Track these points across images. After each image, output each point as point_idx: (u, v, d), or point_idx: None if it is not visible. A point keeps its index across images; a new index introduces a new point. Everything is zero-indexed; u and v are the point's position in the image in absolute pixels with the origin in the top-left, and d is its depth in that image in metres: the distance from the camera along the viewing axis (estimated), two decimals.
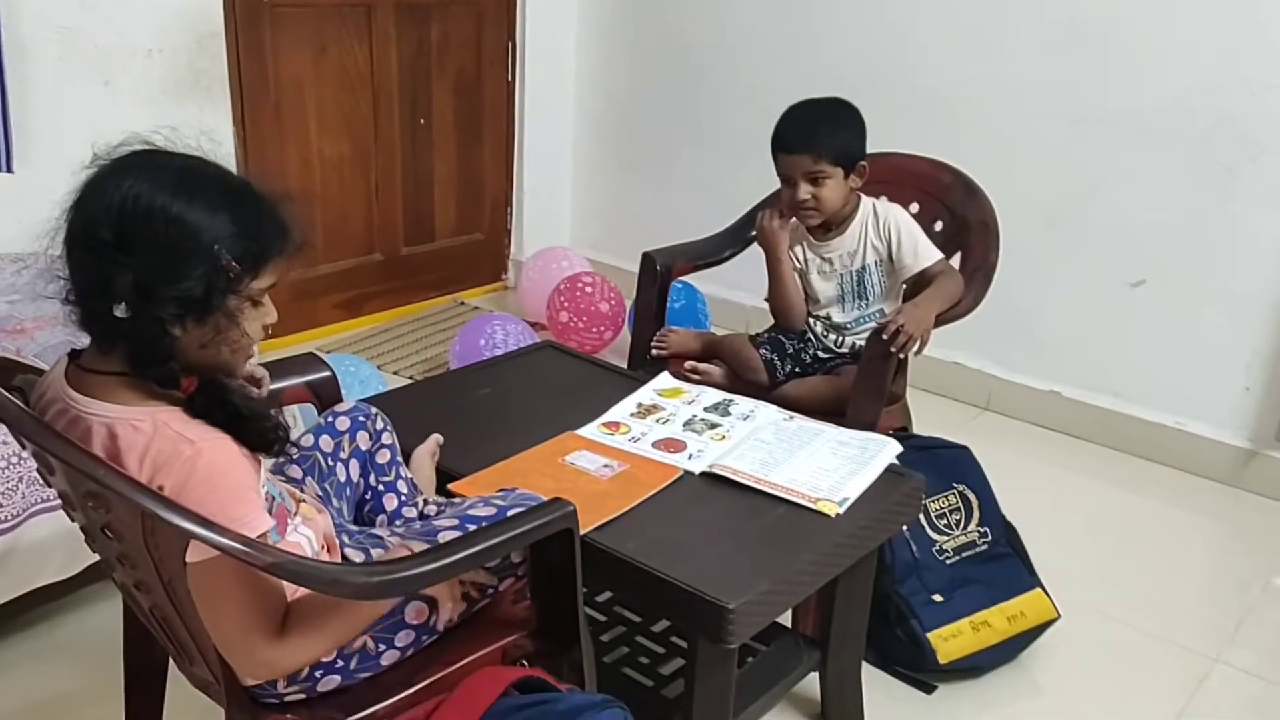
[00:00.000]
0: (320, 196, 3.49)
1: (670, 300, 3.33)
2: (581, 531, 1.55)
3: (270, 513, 1.23)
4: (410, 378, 3.27)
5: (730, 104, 3.61)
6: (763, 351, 2.24)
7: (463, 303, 3.97)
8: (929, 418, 3.00)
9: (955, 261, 2.29)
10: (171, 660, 1.37)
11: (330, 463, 1.54)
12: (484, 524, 1.35)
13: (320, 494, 1.50)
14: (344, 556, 1.36)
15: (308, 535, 1.31)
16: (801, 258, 2.29)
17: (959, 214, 2.32)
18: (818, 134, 2.13)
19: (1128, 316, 3.00)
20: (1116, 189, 2.95)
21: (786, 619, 2.01)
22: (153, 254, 1.12)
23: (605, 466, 1.78)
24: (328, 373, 1.66)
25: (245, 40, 3.15)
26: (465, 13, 3.70)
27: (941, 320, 2.13)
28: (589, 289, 3.43)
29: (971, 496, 2.20)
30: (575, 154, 4.13)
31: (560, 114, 4.05)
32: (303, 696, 1.30)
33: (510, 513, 1.37)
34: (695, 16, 3.67)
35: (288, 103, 3.31)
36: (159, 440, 1.12)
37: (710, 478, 1.77)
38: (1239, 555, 2.63)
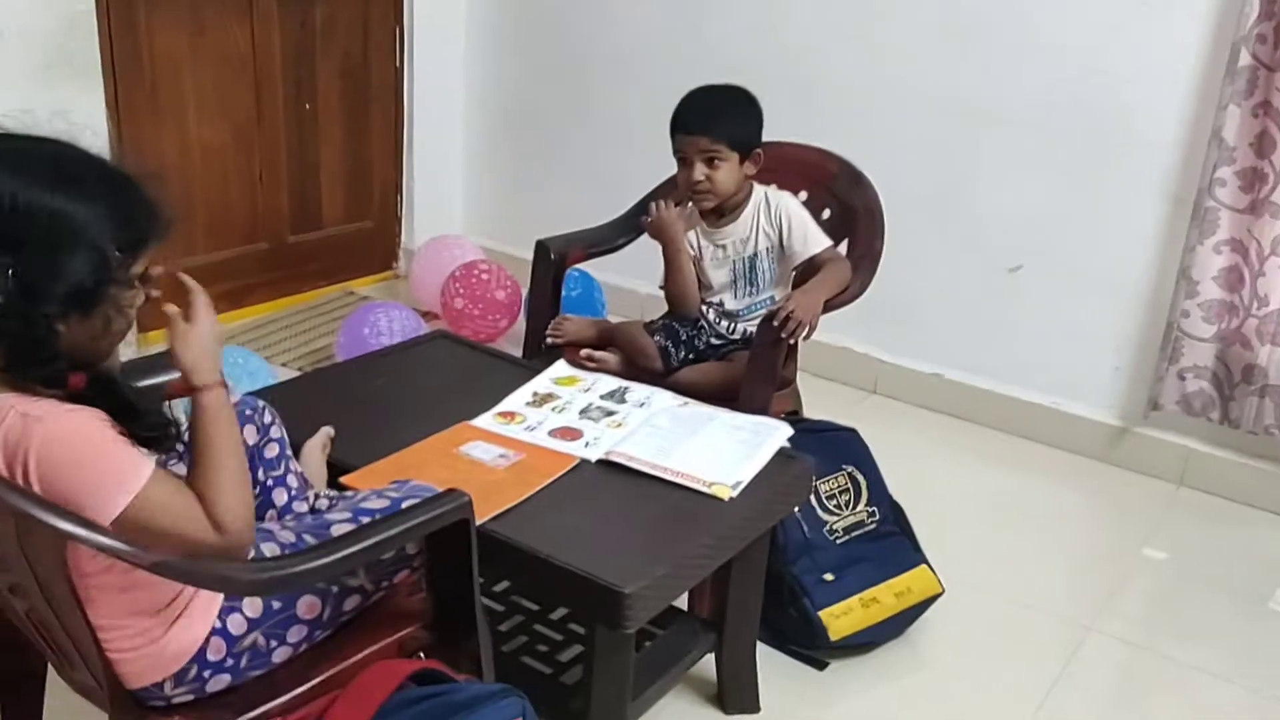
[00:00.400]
0: (201, 183, 3.38)
1: (567, 289, 3.33)
2: (478, 522, 1.55)
3: None
4: (299, 369, 3.20)
5: (624, 89, 3.61)
6: (657, 339, 2.26)
7: (353, 292, 3.89)
8: (820, 402, 3.06)
9: (842, 249, 2.34)
10: (51, 665, 1.32)
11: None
12: (377, 516, 1.34)
13: None
14: None
15: None
16: (695, 244, 2.31)
17: (846, 202, 2.37)
18: (717, 116, 2.16)
19: (1006, 301, 3.11)
20: (995, 178, 3.06)
21: (683, 602, 2.04)
22: (36, 251, 1.07)
23: (501, 456, 1.78)
24: None
25: (118, 20, 3.02)
26: None
27: (830, 306, 2.18)
28: (485, 276, 3.40)
29: (860, 477, 2.26)
30: (467, 140, 4.08)
31: (451, 99, 3.99)
32: (191, 698, 1.27)
33: (404, 504, 1.36)
34: (585, 2, 3.65)
35: (164, 86, 3.19)
36: (9, 421, 1.09)
37: (606, 465, 1.78)
38: (1111, 528, 2.76)
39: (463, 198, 4.14)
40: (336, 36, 3.62)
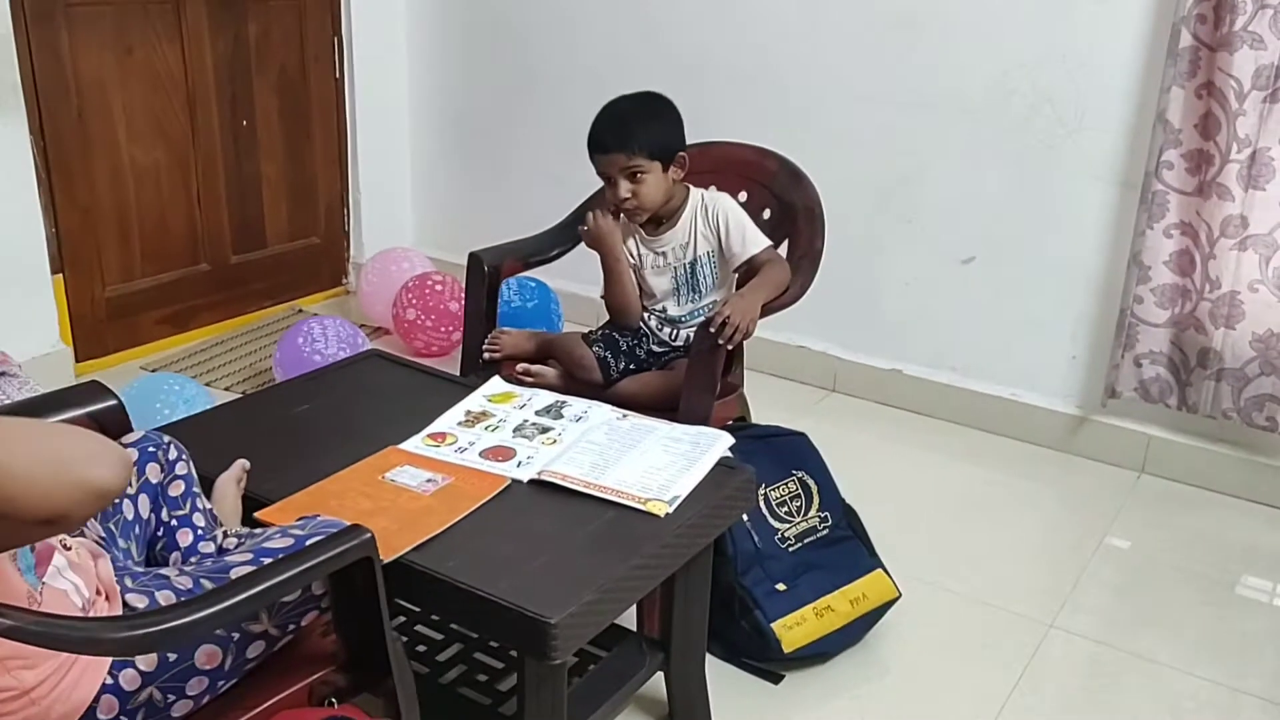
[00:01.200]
0: (135, 206, 3.29)
1: (523, 299, 3.29)
2: (399, 553, 1.49)
3: (29, 550, 1.13)
4: (243, 393, 3.12)
5: (569, 93, 3.55)
6: (596, 349, 2.20)
7: (301, 310, 3.81)
8: (777, 402, 3.03)
9: (785, 248, 2.29)
10: None
11: (115, 500, 1.42)
12: (280, 557, 1.27)
13: (103, 535, 1.39)
14: (125, 604, 1.25)
15: (74, 582, 1.20)
16: (635, 253, 2.25)
17: (785, 200, 2.32)
18: (629, 130, 2.11)
19: (961, 293, 3.07)
20: (945, 169, 3.01)
21: (631, 621, 1.98)
22: None
23: (428, 481, 1.71)
24: (113, 401, 1.54)
25: (39, 43, 2.94)
26: (284, 7, 3.54)
27: (770, 308, 2.12)
28: (439, 287, 3.34)
29: (811, 482, 2.20)
30: (413, 151, 4.01)
31: (394, 110, 3.92)
32: None
33: (309, 543, 1.29)
34: (529, 4, 3.59)
35: (91, 109, 3.11)
36: None
37: (539, 485, 1.72)
38: (1073, 519, 2.72)
39: (411, 209, 4.08)
40: (272, 50, 3.55)
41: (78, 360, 3.19)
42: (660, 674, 1.89)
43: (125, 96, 3.19)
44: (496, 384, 2.06)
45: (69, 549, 1.25)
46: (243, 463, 1.65)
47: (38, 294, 3.02)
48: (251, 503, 1.63)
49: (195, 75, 3.34)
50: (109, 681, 1.19)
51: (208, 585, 1.26)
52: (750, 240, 2.17)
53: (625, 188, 2.12)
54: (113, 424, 1.54)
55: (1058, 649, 2.21)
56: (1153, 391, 2.77)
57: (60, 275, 3.12)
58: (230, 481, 1.62)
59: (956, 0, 2.88)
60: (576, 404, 1.97)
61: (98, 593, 1.23)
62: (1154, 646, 2.22)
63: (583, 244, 2.29)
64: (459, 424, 1.91)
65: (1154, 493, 2.80)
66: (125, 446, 1.47)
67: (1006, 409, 3.03)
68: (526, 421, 1.91)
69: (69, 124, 3.06)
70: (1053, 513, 2.78)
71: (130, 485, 1.45)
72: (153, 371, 3.22)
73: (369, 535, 1.27)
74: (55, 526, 1.00)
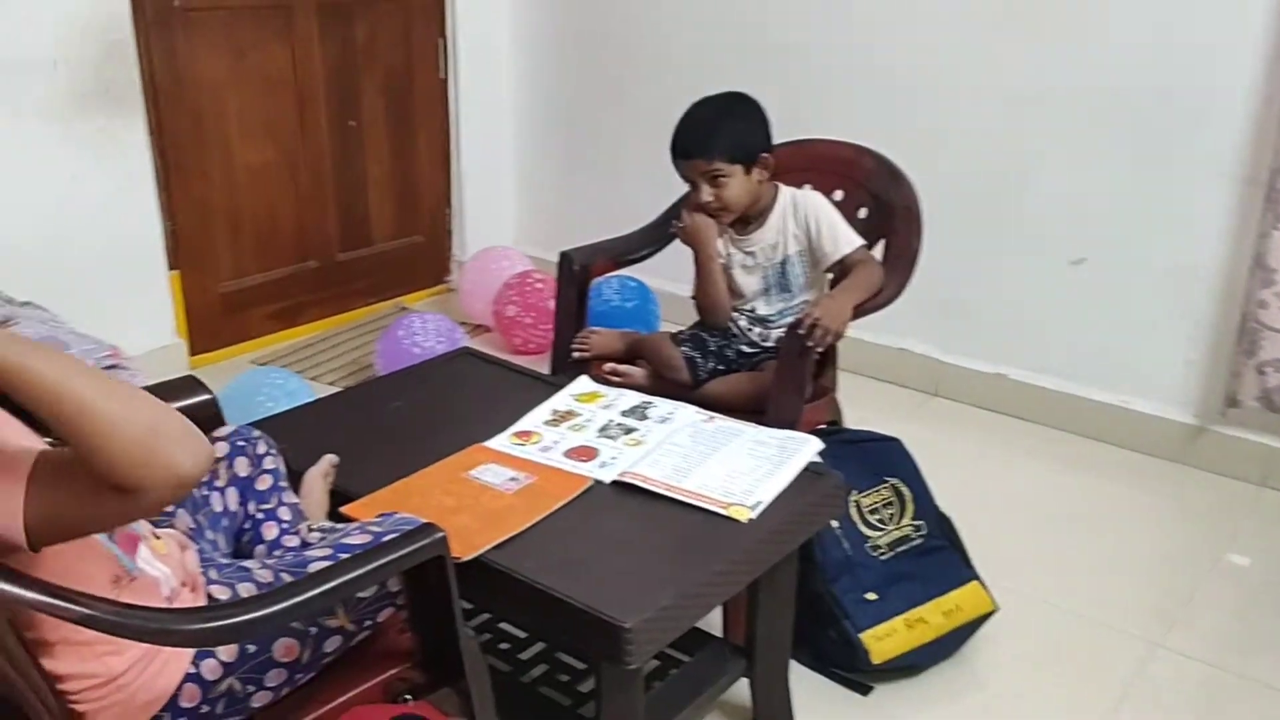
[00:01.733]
0: (247, 205, 3.40)
1: (623, 299, 3.30)
2: (478, 551, 1.49)
3: (110, 538, 1.16)
4: (344, 387, 3.19)
5: (666, 92, 3.48)
6: (684, 350, 2.18)
7: (405, 308, 3.88)
8: (877, 406, 2.96)
9: (881, 248, 2.23)
10: None
11: (204, 492, 1.46)
12: (358, 553, 1.28)
13: (192, 526, 1.43)
14: (209, 596, 1.29)
15: (164, 572, 1.24)
16: (724, 252, 2.22)
17: (883, 199, 2.26)
18: (709, 135, 2.09)
19: (1070, 295, 2.95)
20: (1054, 166, 2.90)
21: (716, 626, 1.96)
22: None
23: (511, 480, 1.71)
24: (207, 396, 1.58)
25: (157, 46, 3.05)
26: (391, 10, 3.61)
27: (862, 310, 2.07)
28: (539, 285, 3.37)
29: (904, 489, 2.14)
30: (516, 150, 4.04)
31: (497, 109, 3.96)
32: None
33: (385, 539, 1.30)
34: (629, 4, 3.59)
35: (207, 110, 3.22)
36: None
37: (622, 486, 1.71)
38: (1187, 534, 2.59)
39: (513, 208, 4.12)
40: (379, 52, 3.62)
41: (192, 354, 3.31)
42: (744, 681, 1.86)
43: (238, 98, 3.29)
44: (584, 383, 2.06)
45: (158, 538, 1.28)
46: (331, 458, 1.68)
47: (155, 289, 3.15)
48: (338, 497, 1.66)
49: (304, 77, 3.44)
50: (191, 671, 1.23)
51: (286, 579, 1.28)
52: (842, 240, 2.12)
53: (707, 191, 2.10)
54: (206, 418, 1.58)
55: (1166, 670, 2.11)
56: (1277, 401, 2.62)
57: (176, 271, 3.24)
58: (318, 476, 1.65)
59: None
60: (662, 405, 1.95)
61: (183, 584, 1.27)
62: (1272, 672, 2.09)
63: (675, 243, 2.28)
64: (545, 423, 1.92)
65: (1276, 508, 2.65)
66: (216, 441, 1.52)
67: (1116, 416, 2.90)
68: (612, 422, 1.90)
69: (186, 124, 3.18)
70: (1165, 527, 2.65)
71: (219, 478, 1.49)
72: (261, 365, 3.32)
73: (441, 534, 1.27)
74: (125, 501, 0.98)
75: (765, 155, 2.11)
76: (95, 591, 1.11)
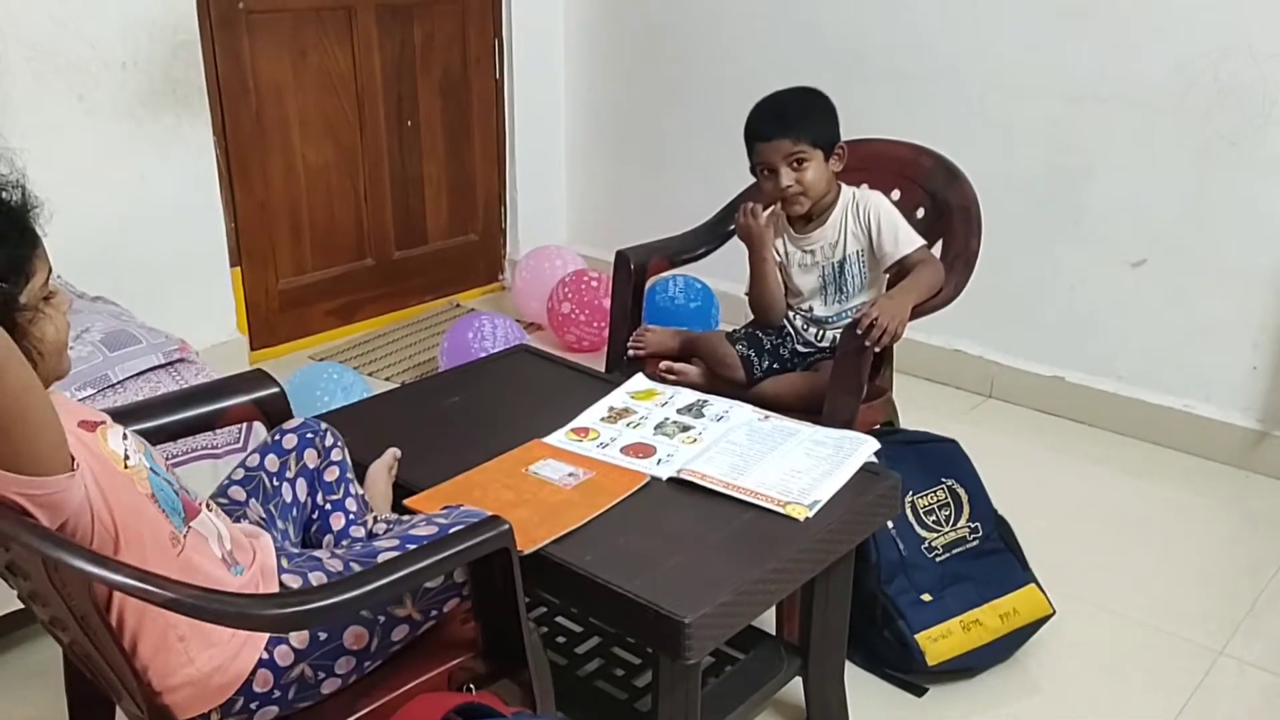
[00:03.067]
0: (307, 203, 3.46)
1: (688, 299, 3.31)
2: (539, 544, 1.51)
3: (175, 496, 1.21)
4: (401, 383, 3.24)
5: (721, 93, 3.53)
6: (739, 348, 2.18)
7: (459, 305, 3.93)
8: (931, 407, 2.94)
9: (939, 248, 2.22)
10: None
11: (275, 483, 1.49)
12: (425, 544, 1.31)
13: (264, 516, 1.46)
14: (281, 584, 1.32)
15: (219, 530, 1.28)
16: (782, 251, 2.22)
17: (940, 199, 2.25)
18: (792, 116, 2.09)
19: (1130, 297, 2.91)
20: (1114, 166, 2.86)
21: (771, 625, 1.96)
22: None
23: (570, 475, 1.73)
24: (276, 389, 1.62)
25: (222, 48, 3.12)
26: (449, 12, 3.65)
27: (921, 310, 2.06)
28: (594, 284, 3.40)
29: (961, 491, 2.13)
30: (569, 150, 4.07)
31: (551, 110, 3.99)
32: None
33: (451, 531, 1.32)
34: (683, 4, 3.60)
35: (269, 109, 3.28)
36: None
37: (678, 483, 1.72)
38: (1249, 541, 2.54)
39: (566, 207, 4.14)
40: (436, 53, 3.66)
41: (252, 349, 3.37)
42: (798, 680, 1.87)
43: (299, 98, 3.35)
44: (640, 381, 2.07)
45: (211, 510, 1.32)
46: (394, 451, 1.71)
47: (218, 285, 3.21)
48: (401, 490, 1.69)
49: (364, 78, 3.49)
50: (265, 656, 1.26)
51: (356, 568, 1.31)
52: (903, 240, 2.11)
53: (789, 175, 2.09)
54: (276, 411, 1.63)
55: (1228, 679, 2.08)
56: None
57: (238, 268, 3.30)
58: (382, 469, 1.68)
59: None
60: (718, 403, 1.96)
61: (253, 559, 1.30)
62: None
63: (730, 242, 2.28)
64: (602, 420, 1.93)
65: None
66: (285, 432, 1.55)
67: (1178, 421, 2.86)
68: (668, 419, 1.92)
69: (248, 124, 3.24)
70: (1228, 533, 2.60)
71: (289, 469, 1.52)
72: (319, 361, 3.38)
73: (507, 527, 1.29)
74: None
75: (841, 147, 2.12)
76: (156, 550, 1.16)
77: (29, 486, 1.04)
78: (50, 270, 1.19)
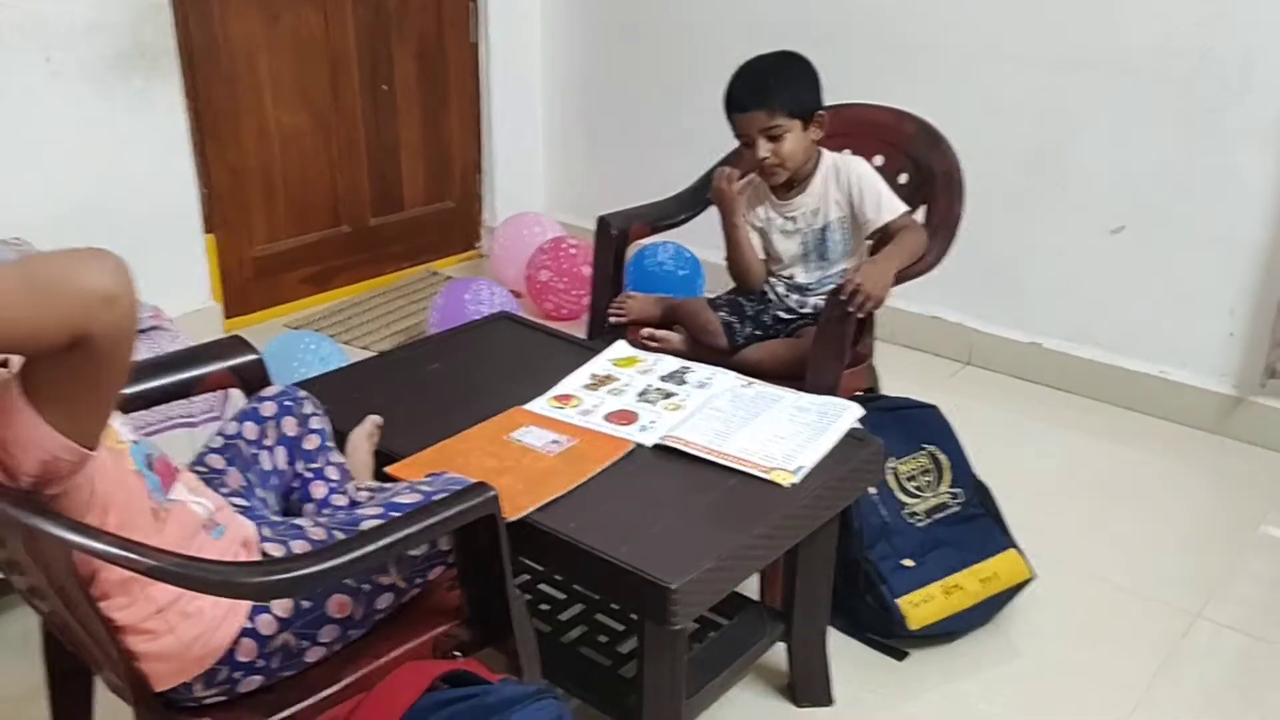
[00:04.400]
0: (280, 168, 3.40)
1: (676, 267, 3.30)
2: (523, 512, 1.50)
3: (150, 468, 1.19)
4: (379, 351, 3.21)
5: (700, 58, 3.50)
6: (721, 314, 2.17)
7: (436, 273, 3.89)
8: (909, 374, 2.94)
9: (921, 214, 2.21)
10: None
11: (254, 451, 1.47)
12: (408, 511, 1.29)
13: (244, 484, 1.44)
14: (263, 553, 1.30)
15: (199, 502, 1.26)
16: (764, 217, 2.21)
17: (923, 165, 2.24)
18: (769, 87, 2.06)
19: (1108, 264, 2.92)
20: (1094, 133, 2.86)
21: (753, 590, 1.96)
22: None
23: (553, 442, 1.72)
24: (254, 356, 1.60)
25: (193, 10, 3.05)
26: None
27: (904, 276, 2.05)
28: (573, 251, 3.37)
29: (942, 457, 2.14)
30: (546, 116, 4.03)
31: (527, 76, 3.94)
32: (223, 699, 1.25)
33: (434, 499, 1.31)
34: None
35: (241, 73, 3.22)
36: None
37: (662, 450, 1.71)
38: (1225, 505, 2.57)
39: (543, 174, 4.10)
40: (411, 17, 3.60)
41: (226, 317, 3.33)
42: (781, 645, 1.87)
43: (271, 62, 3.29)
44: (622, 348, 2.06)
45: (181, 472, 1.30)
46: (375, 419, 1.69)
47: (191, 252, 3.16)
48: (382, 458, 1.67)
49: (338, 41, 3.43)
50: (248, 626, 1.24)
51: (340, 536, 1.29)
52: (885, 206, 2.10)
53: (765, 147, 2.07)
54: (253, 378, 1.60)
55: (1203, 640, 2.10)
56: None
57: (211, 235, 3.25)
58: (362, 437, 1.66)
59: None
60: (701, 370, 1.95)
61: (243, 546, 1.28)
62: None
63: (712, 209, 2.26)
64: (584, 387, 1.92)
65: None
66: (264, 399, 1.53)
67: (1154, 387, 2.88)
68: (651, 386, 1.91)
69: (220, 88, 3.18)
70: (1203, 498, 2.63)
71: (268, 437, 1.50)
72: (295, 329, 3.34)
73: (493, 493, 1.28)
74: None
75: (821, 114, 2.09)
76: (138, 522, 1.15)
77: (70, 453, 1.04)
78: None
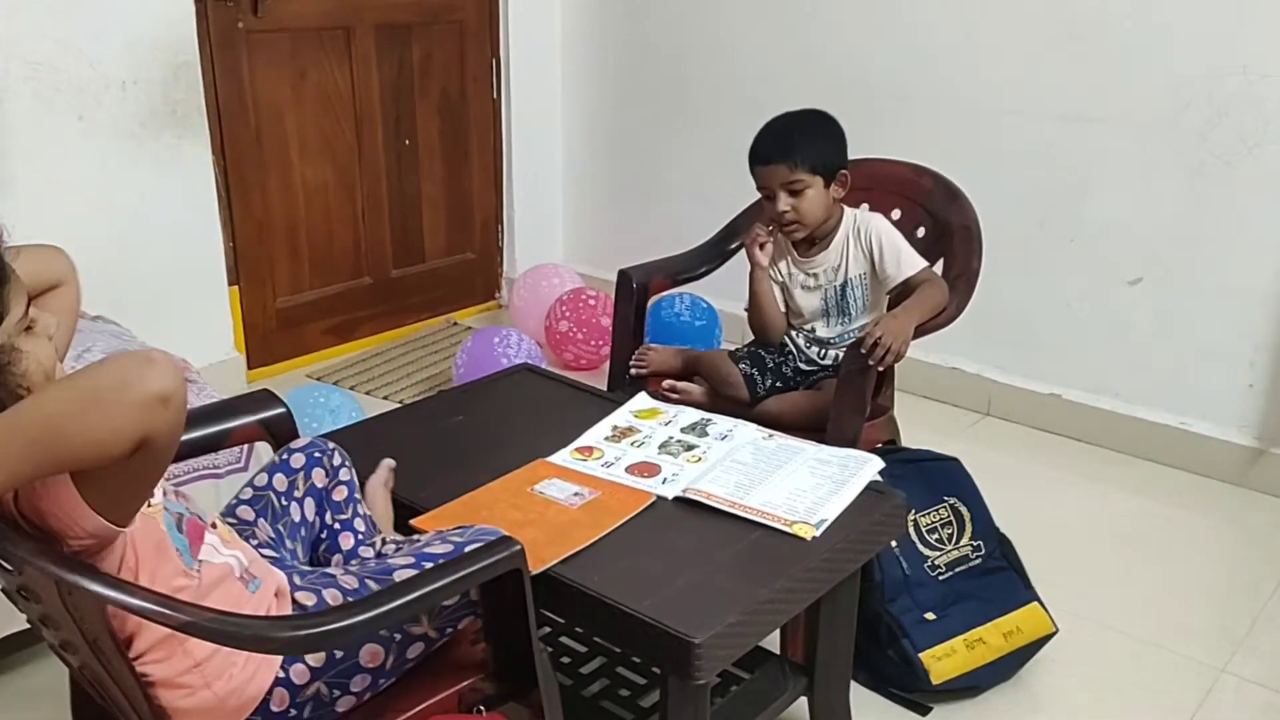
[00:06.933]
0: (305, 222, 3.46)
1: (693, 318, 3.33)
2: (547, 565, 1.51)
3: (179, 529, 1.20)
4: (399, 401, 3.24)
5: (719, 111, 3.56)
6: (742, 367, 2.19)
7: (456, 323, 3.93)
8: (929, 425, 2.95)
9: (940, 268, 2.24)
10: None
11: (284, 502, 1.49)
12: (440, 562, 1.31)
13: (273, 536, 1.46)
14: (295, 602, 1.31)
15: (233, 555, 1.27)
16: (785, 272, 2.24)
17: (941, 219, 2.26)
18: (793, 143, 2.09)
19: (1127, 316, 2.93)
20: (1112, 186, 2.89)
21: (775, 644, 1.96)
22: None
23: (575, 495, 1.73)
24: (282, 409, 1.62)
25: (221, 68, 3.13)
26: (447, 32, 3.67)
27: (924, 329, 2.07)
28: (592, 302, 3.41)
29: (963, 509, 2.14)
30: (565, 169, 4.09)
31: (548, 129, 4.01)
32: None
33: (467, 549, 1.32)
34: (680, 24, 3.62)
35: (268, 129, 3.29)
36: None
37: (684, 502, 1.72)
38: (1248, 559, 2.55)
39: (563, 226, 4.16)
40: (434, 73, 3.68)
41: (249, 368, 3.36)
42: (803, 699, 1.86)
43: (298, 118, 3.36)
44: (643, 400, 2.07)
45: (215, 527, 1.32)
46: (388, 462, 1.69)
47: (216, 304, 3.21)
48: (406, 510, 1.68)
49: (362, 97, 3.50)
50: (280, 675, 1.25)
51: (373, 586, 1.31)
52: (905, 262, 2.13)
53: (785, 201, 2.10)
54: (282, 431, 1.62)
55: (1229, 696, 2.08)
56: None
57: (235, 287, 3.30)
58: (379, 485, 1.67)
59: (1126, 11, 2.77)
60: (722, 422, 1.96)
61: (276, 596, 1.29)
62: None
63: (731, 261, 2.29)
64: (605, 439, 1.93)
65: None
66: (293, 451, 1.55)
67: (1175, 439, 2.88)
68: (672, 438, 1.92)
69: (248, 143, 3.25)
70: (1226, 550, 2.61)
71: (298, 489, 1.52)
72: (316, 380, 3.37)
73: (519, 547, 1.29)
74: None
75: (844, 173, 2.13)
76: (172, 584, 1.16)
77: (104, 531, 1.07)
78: (28, 300, 1.14)
